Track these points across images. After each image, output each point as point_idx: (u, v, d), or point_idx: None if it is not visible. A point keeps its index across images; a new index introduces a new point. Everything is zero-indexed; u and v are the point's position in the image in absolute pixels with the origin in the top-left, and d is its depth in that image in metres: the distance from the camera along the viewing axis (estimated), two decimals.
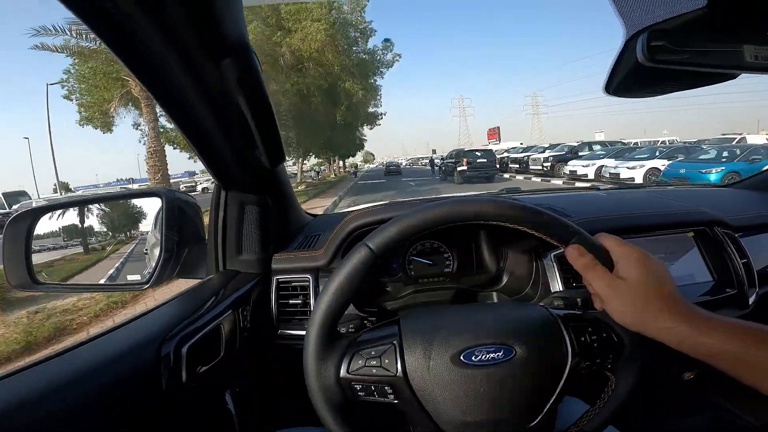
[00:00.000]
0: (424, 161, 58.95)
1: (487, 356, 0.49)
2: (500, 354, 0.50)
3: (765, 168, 1.42)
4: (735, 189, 1.42)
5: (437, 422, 0.50)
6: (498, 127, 58.44)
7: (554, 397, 0.50)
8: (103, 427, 0.48)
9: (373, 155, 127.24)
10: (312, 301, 0.91)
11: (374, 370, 0.50)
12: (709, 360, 0.44)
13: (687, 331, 0.45)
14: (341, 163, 49.56)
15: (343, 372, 0.51)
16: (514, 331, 0.52)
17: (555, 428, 0.57)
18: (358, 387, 0.51)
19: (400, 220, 0.51)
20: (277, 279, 0.94)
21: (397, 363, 0.50)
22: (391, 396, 0.51)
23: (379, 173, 36.57)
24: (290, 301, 0.93)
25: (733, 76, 0.61)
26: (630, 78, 0.60)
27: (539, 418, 0.50)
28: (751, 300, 0.92)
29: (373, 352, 0.51)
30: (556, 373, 0.51)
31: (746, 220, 1.07)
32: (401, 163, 59.34)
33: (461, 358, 0.49)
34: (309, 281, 0.92)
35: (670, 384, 0.85)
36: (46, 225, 0.79)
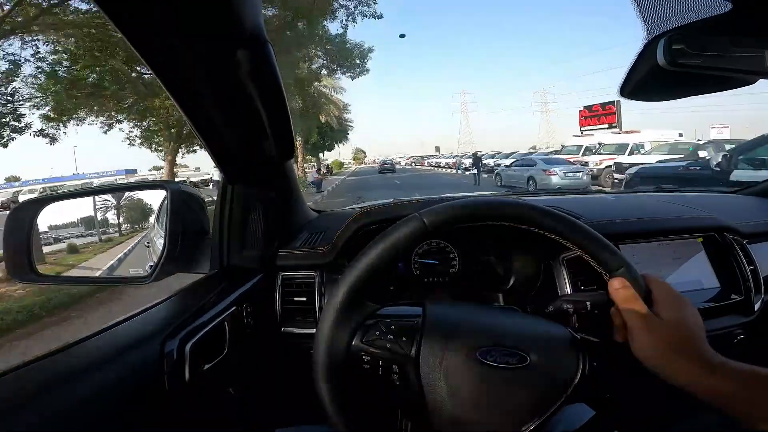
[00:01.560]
0: (433, 161, 47.65)
1: (502, 359, 0.49)
2: (515, 359, 0.49)
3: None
4: (745, 195, 1.42)
5: (432, 413, 0.50)
6: (616, 102, 24.95)
7: (554, 408, 0.50)
8: (107, 423, 0.48)
9: (365, 152, 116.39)
10: (317, 299, 0.90)
11: (389, 345, 0.50)
12: (724, 405, 0.45)
13: (704, 374, 0.46)
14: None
15: (356, 340, 0.50)
16: (533, 342, 0.52)
17: None
18: (366, 358, 0.50)
19: (454, 204, 0.51)
20: (282, 275, 0.93)
21: (413, 344, 0.50)
22: (395, 376, 0.50)
23: (370, 176, 28.34)
24: (295, 299, 0.92)
25: (753, 81, 0.60)
26: (648, 81, 0.59)
27: (533, 426, 0.50)
28: (756, 306, 0.92)
29: (393, 327, 0.51)
30: (562, 387, 0.51)
31: (756, 227, 1.07)
32: (399, 162, 55.50)
33: (477, 354, 0.49)
34: (314, 279, 0.92)
35: (670, 389, 0.85)
36: (48, 216, 0.78)
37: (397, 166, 46.60)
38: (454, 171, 29.35)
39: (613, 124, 24.52)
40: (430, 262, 1.01)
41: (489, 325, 0.53)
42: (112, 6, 0.44)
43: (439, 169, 34.83)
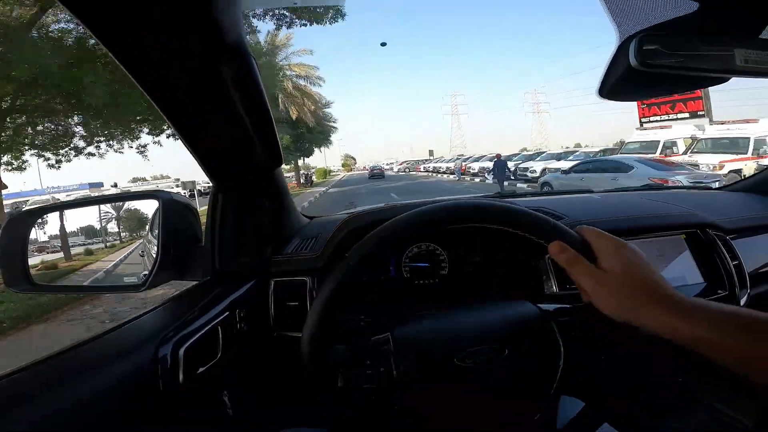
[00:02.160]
0: (430, 165, 38.99)
1: (479, 359, 0.50)
2: (492, 355, 0.50)
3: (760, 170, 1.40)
4: (728, 191, 1.43)
5: (439, 420, 0.51)
6: None
7: (551, 392, 0.51)
8: (100, 426, 0.49)
9: (354, 159, 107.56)
10: (309, 303, 0.91)
11: (370, 380, 0.51)
12: (696, 348, 0.44)
13: (673, 319, 0.45)
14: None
15: (341, 383, 0.51)
16: (503, 332, 0.52)
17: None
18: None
19: (378, 233, 0.51)
20: (275, 281, 0.94)
21: (393, 373, 0.50)
22: (390, 401, 0.51)
23: (360, 186, 23.18)
24: (288, 303, 0.93)
25: (725, 80, 0.62)
26: (623, 81, 0.60)
27: (538, 415, 0.50)
28: (742, 302, 0.93)
29: (369, 371, 0.51)
30: (550, 369, 0.51)
31: (739, 223, 1.08)
32: (391, 168, 51.71)
33: (455, 361, 0.50)
34: (307, 283, 0.93)
35: (662, 384, 0.86)
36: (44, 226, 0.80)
37: (389, 173, 42.44)
38: (454, 177, 24.89)
39: (699, 112, 17.81)
40: (420, 265, 1.02)
41: (456, 330, 0.54)
42: (95, 19, 0.45)
43: (440, 176, 29.78)
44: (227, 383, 0.74)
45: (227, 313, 0.75)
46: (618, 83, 0.61)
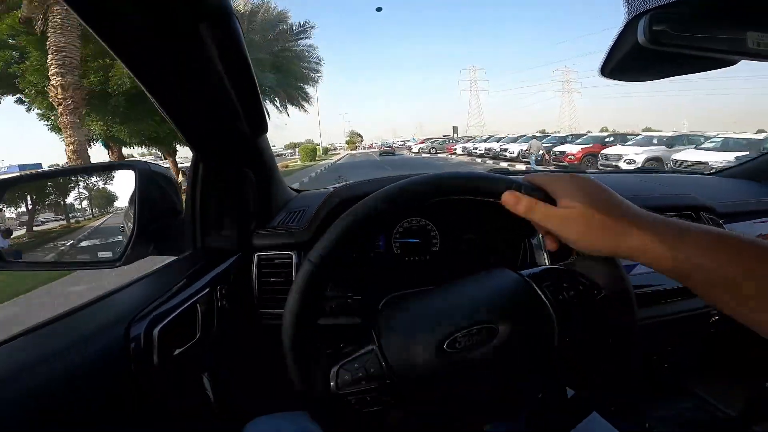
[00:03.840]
0: (473, 145, 27.08)
1: (470, 340, 0.47)
2: (483, 335, 0.47)
3: (751, 157, 1.43)
4: (721, 177, 1.44)
5: (439, 414, 0.49)
6: None
7: (550, 371, 0.49)
8: (70, 410, 0.47)
9: (361, 136, 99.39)
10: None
11: (363, 382, 0.48)
12: (685, 282, 0.42)
13: (657, 246, 0.43)
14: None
15: (332, 387, 0.48)
16: (491, 308, 0.49)
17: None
18: (352, 399, 0.48)
19: (335, 227, 0.49)
20: (258, 256, 0.92)
21: (383, 369, 0.48)
22: (386, 398, 0.48)
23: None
24: (272, 279, 0.91)
25: (733, 62, 0.59)
26: (628, 60, 0.58)
27: (541, 395, 0.49)
28: None
29: (356, 365, 0.49)
30: (545, 345, 0.49)
31: (731, 207, 1.09)
32: (408, 145, 46.12)
33: (445, 347, 0.47)
34: (292, 258, 0.91)
35: (647, 371, 0.88)
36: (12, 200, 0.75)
37: (405, 154, 35.25)
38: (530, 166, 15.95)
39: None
40: (411, 241, 1.00)
41: (441, 313, 0.51)
42: None
43: (489, 161, 20.91)
44: (207, 365, 0.72)
45: (207, 290, 0.72)
46: (623, 62, 0.59)
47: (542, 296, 0.50)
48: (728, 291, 0.40)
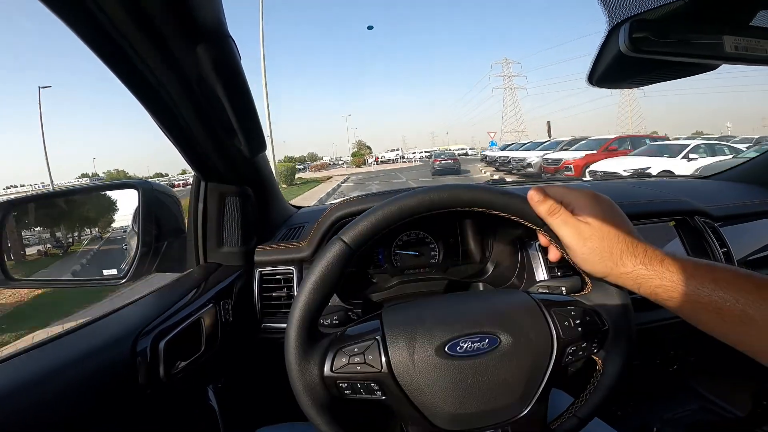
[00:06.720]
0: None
1: (472, 346, 0.48)
2: (485, 343, 0.49)
3: (744, 160, 1.45)
4: (715, 180, 1.45)
5: (427, 416, 0.49)
6: None
7: (543, 383, 0.50)
8: (78, 422, 0.47)
9: (369, 147, 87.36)
10: (296, 293, 0.90)
11: (358, 367, 0.49)
12: (670, 306, 0.43)
13: (643, 272, 0.44)
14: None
15: (326, 371, 0.49)
16: (497, 319, 0.51)
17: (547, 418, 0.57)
18: (343, 385, 0.49)
19: (374, 212, 0.50)
20: (260, 271, 0.93)
21: (381, 358, 0.49)
22: (378, 393, 0.49)
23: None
24: (274, 294, 0.92)
25: (714, 67, 0.61)
26: (613, 68, 0.60)
27: (530, 406, 0.50)
28: None
29: (356, 349, 0.50)
30: (542, 359, 0.50)
31: (726, 210, 1.10)
32: (485, 153, 39.37)
33: (446, 349, 0.48)
34: (293, 273, 0.92)
35: (653, 373, 0.88)
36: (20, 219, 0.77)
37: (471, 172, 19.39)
38: None
39: None
40: (410, 253, 1.01)
41: (448, 316, 0.52)
42: (64, 6, 0.43)
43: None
44: (211, 377, 0.73)
45: (211, 304, 0.73)
46: (608, 70, 0.61)
47: (548, 318, 0.51)
48: (713, 313, 0.41)
